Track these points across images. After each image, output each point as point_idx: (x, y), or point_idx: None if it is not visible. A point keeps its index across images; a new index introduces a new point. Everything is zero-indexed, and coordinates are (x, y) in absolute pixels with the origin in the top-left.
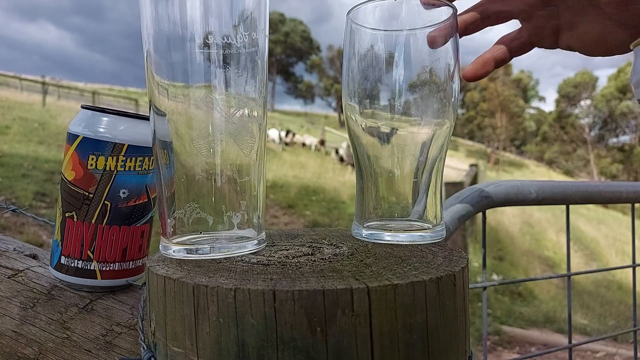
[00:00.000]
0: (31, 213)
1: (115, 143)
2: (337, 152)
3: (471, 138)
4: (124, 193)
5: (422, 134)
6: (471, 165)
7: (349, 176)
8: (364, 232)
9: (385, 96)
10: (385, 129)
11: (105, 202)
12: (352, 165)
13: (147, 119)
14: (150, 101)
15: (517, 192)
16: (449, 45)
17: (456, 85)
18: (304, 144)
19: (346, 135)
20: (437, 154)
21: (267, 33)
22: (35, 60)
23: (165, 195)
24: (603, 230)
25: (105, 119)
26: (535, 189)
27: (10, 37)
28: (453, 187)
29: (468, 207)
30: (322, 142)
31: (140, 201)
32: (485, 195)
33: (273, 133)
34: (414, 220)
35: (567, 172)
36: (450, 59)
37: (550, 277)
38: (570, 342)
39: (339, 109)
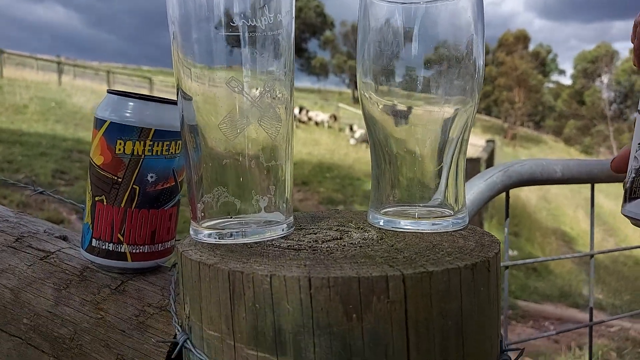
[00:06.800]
0: (53, 191)
1: (142, 128)
2: (351, 128)
3: (488, 113)
4: (151, 177)
5: (443, 113)
6: (488, 141)
7: (363, 153)
8: (382, 220)
9: (403, 73)
10: (402, 107)
11: (134, 186)
12: (367, 142)
13: (173, 103)
14: (177, 84)
15: (542, 171)
16: (470, 17)
17: (480, 61)
18: (317, 123)
19: (359, 112)
20: (459, 134)
21: (293, 14)
22: (45, 39)
23: (194, 180)
24: None
25: (131, 103)
26: (561, 168)
27: (19, 17)
28: (469, 163)
29: (492, 187)
30: (334, 118)
31: (168, 185)
32: (510, 174)
33: None
34: (434, 206)
35: (586, 148)
36: (472, 32)
37: (574, 256)
38: (591, 319)
39: (353, 85)
